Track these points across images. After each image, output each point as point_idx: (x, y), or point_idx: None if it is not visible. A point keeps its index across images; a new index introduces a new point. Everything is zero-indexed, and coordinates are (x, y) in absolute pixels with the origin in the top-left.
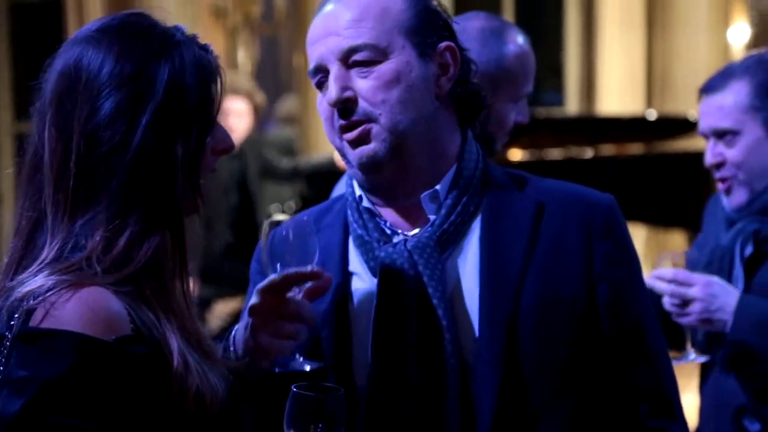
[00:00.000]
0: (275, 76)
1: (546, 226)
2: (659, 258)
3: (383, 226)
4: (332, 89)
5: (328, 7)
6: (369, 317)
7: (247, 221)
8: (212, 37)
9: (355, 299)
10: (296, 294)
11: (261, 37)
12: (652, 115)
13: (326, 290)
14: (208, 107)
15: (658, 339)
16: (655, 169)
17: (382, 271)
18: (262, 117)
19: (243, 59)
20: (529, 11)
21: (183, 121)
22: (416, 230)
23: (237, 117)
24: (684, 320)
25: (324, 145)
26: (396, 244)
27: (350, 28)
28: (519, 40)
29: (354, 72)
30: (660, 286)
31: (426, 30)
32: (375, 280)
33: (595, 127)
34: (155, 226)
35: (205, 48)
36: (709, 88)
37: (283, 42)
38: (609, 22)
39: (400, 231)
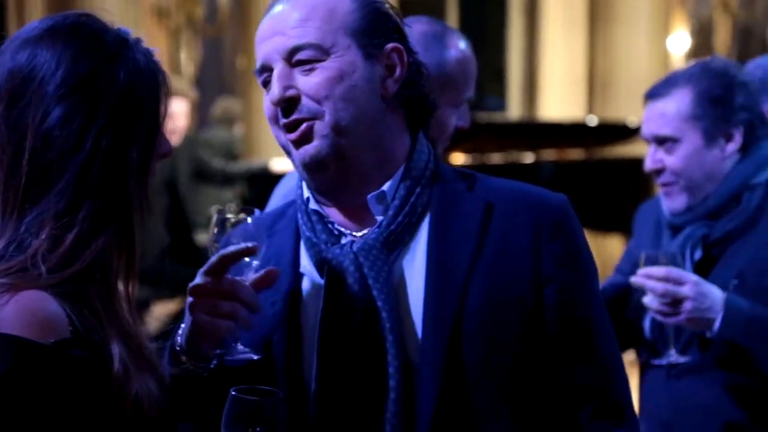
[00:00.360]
0: (219, 78)
1: (495, 226)
2: (645, 257)
3: (331, 228)
4: (275, 87)
5: (277, 8)
6: (317, 319)
7: (179, 222)
8: (155, 38)
9: (305, 302)
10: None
11: (204, 38)
12: (592, 120)
13: (272, 282)
14: (158, 110)
15: (609, 341)
16: (595, 173)
17: (329, 273)
18: (197, 118)
19: (186, 60)
20: (473, 15)
21: (137, 124)
22: (365, 231)
23: (174, 118)
24: (672, 320)
25: (268, 148)
26: (343, 245)
27: (296, 28)
28: (461, 45)
29: (297, 71)
30: (652, 284)
31: (373, 31)
32: (323, 282)
33: (536, 132)
34: (104, 225)
35: (150, 52)
36: (653, 94)
37: (226, 44)
38: (551, 27)
39: (348, 232)
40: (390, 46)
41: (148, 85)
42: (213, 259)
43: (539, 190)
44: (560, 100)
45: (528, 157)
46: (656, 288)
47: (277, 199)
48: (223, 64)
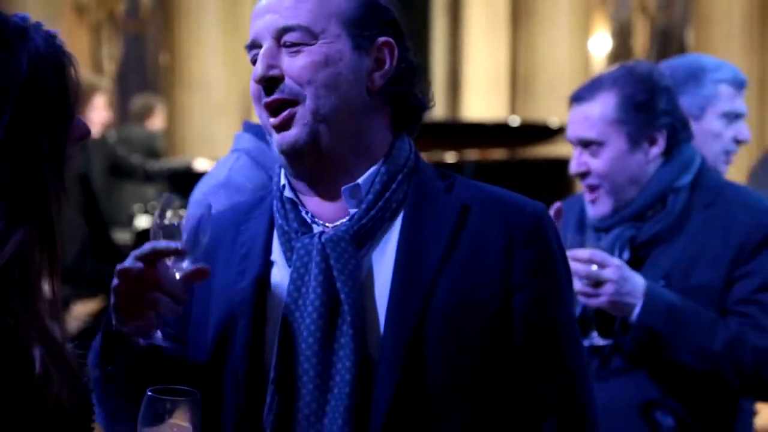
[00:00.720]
0: (141, 75)
1: (469, 228)
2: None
3: (304, 216)
4: (259, 65)
5: None
6: (281, 308)
7: (94, 219)
8: (75, 35)
9: (273, 289)
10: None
11: (126, 34)
12: (515, 121)
13: (202, 278)
14: (67, 97)
15: (576, 353)
16: (517, 174)
17: (296, 262)
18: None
19: (107, 57)
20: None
21: (45, 114)
22: (338, 223)
23: (92, 110)
24: (593, 302)
25: (190, 146)
26: (313, 235)
27: (289, 8)
28: None
29: (285, 51)
30: (575, 266)
31: (366, 23)
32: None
33: (459, 132)
34: (21, 220)
35: (53, 35)
36: (578, 97)
37: (149, 40)
38: (474, 28)
39: (322, 222)
40: (381, 39)
41: (53, 70)
42: (146, 246)
43: (517, 196)
44: (483, 99)
45: (450, 157)
46: (579, 270)
47: (194, 201)
48: (145, 61)
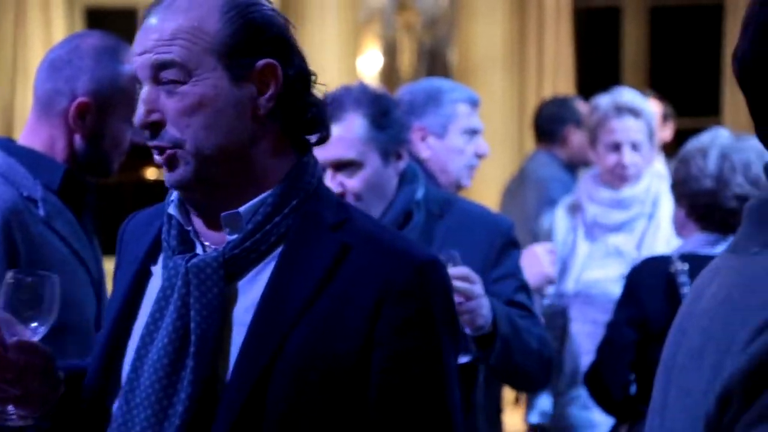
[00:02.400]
0: None
1: (342, 274)
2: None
3: (187, 236)
4: (139, 110)
5: (147, 22)
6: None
7: None
8: None
9: (145, 303)
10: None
11: None
12: None
13: None
14: None
15: (444, 413)
16: None
17: (164, 282)
18: None
19: None
20: None
21: None
22: (217, 247)
23: None
24: (460, 318)
25: None
26: (185, 257)
27: (162, 45)
28: None
29: (163, 91)
30: (456, 284)
31: (243, 50)
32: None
33: None
34: None
35: None
36: None
37: None
38: None
39: (207, 243)
40: (261, 63)
41: None
42: None
43: (404, 243)
44: None
45: None
46: (461, 287)
47: None
48: None
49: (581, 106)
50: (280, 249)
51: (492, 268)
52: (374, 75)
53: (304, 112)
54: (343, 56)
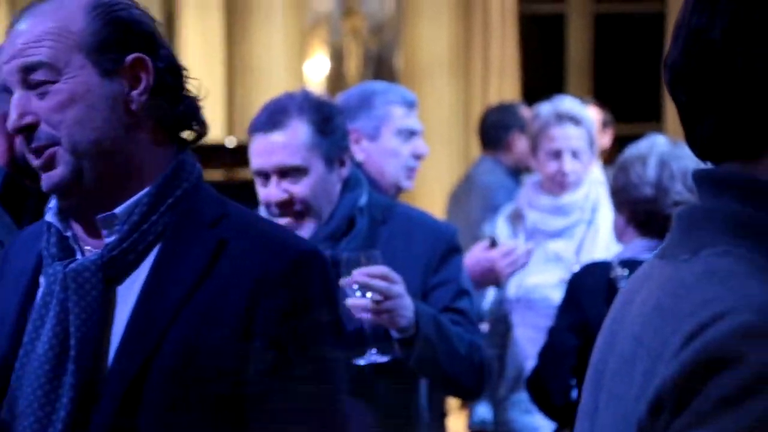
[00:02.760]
0: None
1: (221, 267)
2: (346, 259)
3: (67, 243)
4: (12, 114)
5: (15, 29)
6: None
7: None
8: None
9: (31, 316)
10: None
11: None
12: (231, 142)
13: None
14: None
15: (325, 404)
16: (236, 195)
17: (44, 290)
18: None
19: None
20: None
21: None
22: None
23: None
24: (378, 318)
25: None
26: (62, 263)
27: (29, 48)
28: None
29: (34, 94)
30: (370, 281)
31: (111, 46)
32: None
33: None
34: None
35: None
36: (266, 127)
37: None
38: (190, 44)
39: (89, 249)
40: (131, 57)
41: None
42: None
43: (282, 236)
44: (212, 129)
45: None
46: (376, 285)
47: None
48: None
49: (526, 112)
50: (157, 248)
51: (433, 273)
52: (321, 80)
53: (176, 106)
54: (289, 61)
